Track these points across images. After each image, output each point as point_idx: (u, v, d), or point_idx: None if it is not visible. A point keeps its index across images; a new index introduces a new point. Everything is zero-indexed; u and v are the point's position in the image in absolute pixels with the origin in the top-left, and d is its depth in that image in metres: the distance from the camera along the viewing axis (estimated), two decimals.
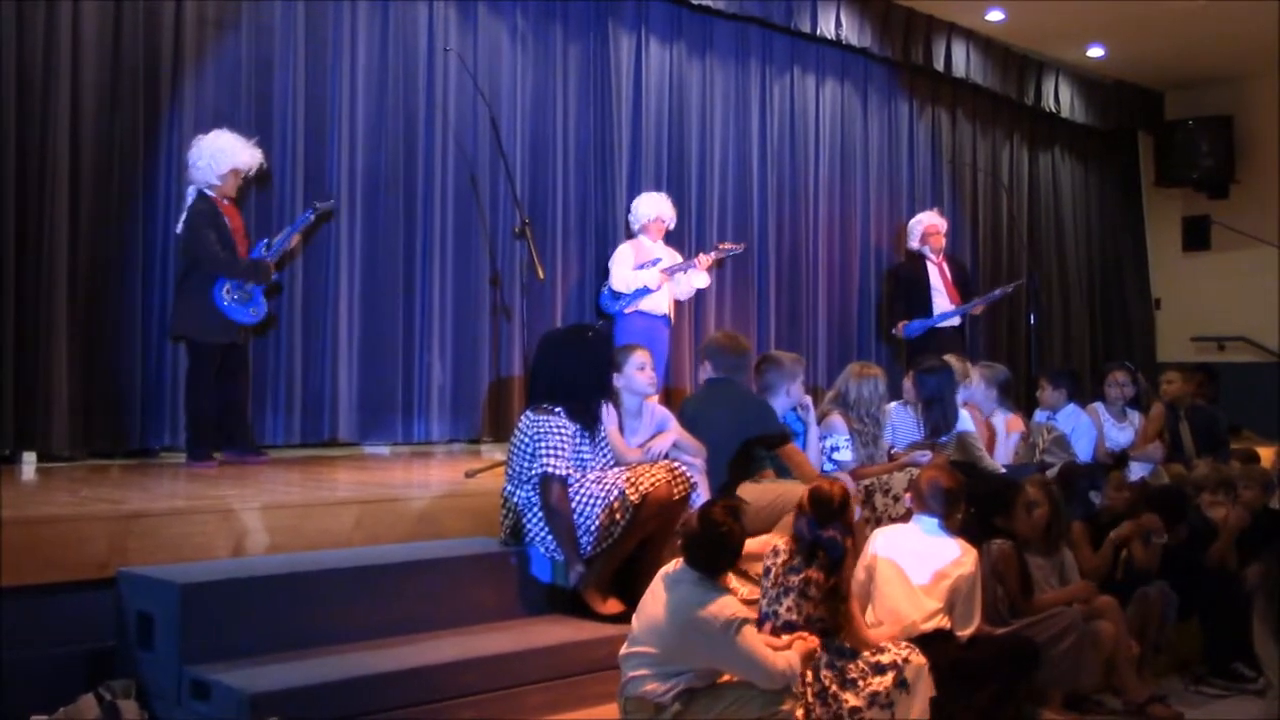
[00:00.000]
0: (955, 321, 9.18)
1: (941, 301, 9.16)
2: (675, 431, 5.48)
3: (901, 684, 4.30)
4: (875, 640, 4.45)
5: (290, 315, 6.88)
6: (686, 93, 8.86)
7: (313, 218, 6.54)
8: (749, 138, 9.26)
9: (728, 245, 8.22)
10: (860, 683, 4.31)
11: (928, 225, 9.42)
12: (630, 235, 8.08)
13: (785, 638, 4.28)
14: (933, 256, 9.34)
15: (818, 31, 9.39)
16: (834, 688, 4.29)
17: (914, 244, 9.55)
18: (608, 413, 5.27)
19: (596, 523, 4.67)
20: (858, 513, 5.79)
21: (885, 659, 4.36)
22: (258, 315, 6.17)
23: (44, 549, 4.11)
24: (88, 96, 6.13)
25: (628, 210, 8.23)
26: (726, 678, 3.99)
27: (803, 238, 9.62)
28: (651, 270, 7.70)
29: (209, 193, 6.07)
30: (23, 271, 5.90)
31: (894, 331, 9.26)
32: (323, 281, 7.02)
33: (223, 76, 6.66)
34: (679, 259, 7.95)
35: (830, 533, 4.33)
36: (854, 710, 4.26)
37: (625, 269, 7.78)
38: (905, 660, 4.35)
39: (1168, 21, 10.37)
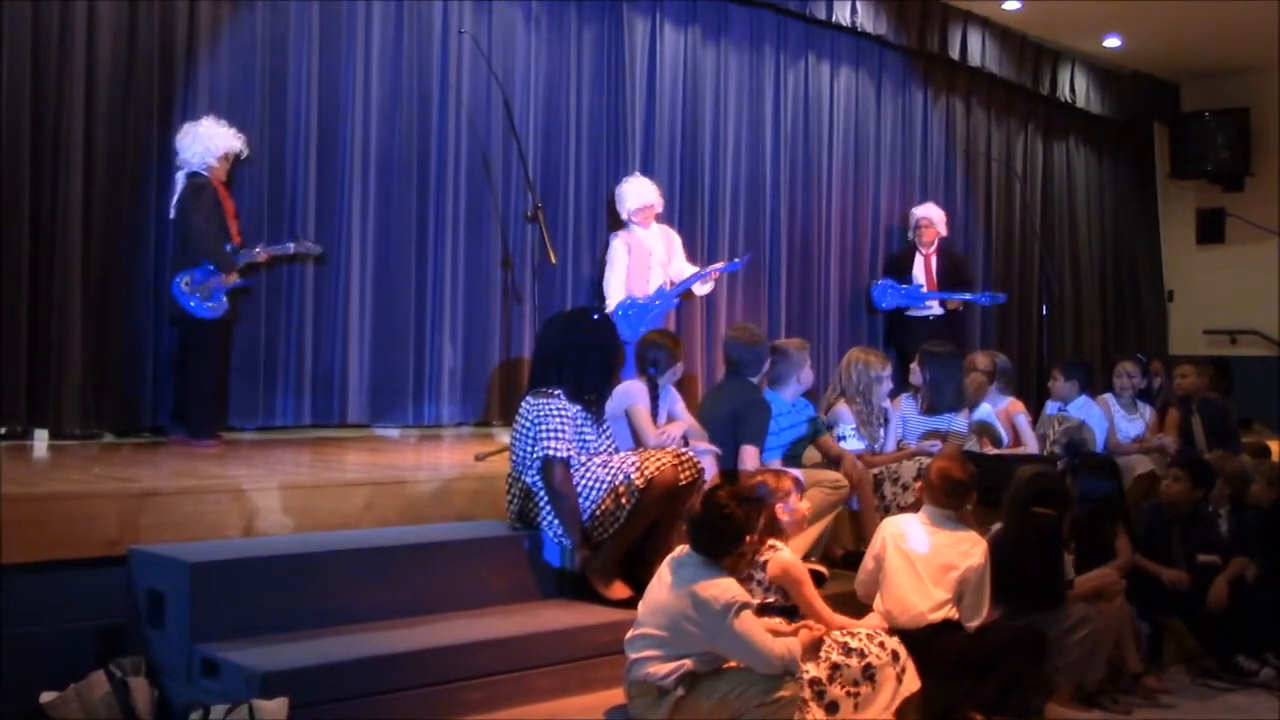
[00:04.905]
0: (935, 310, 9.26)
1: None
2: (684, 419, 5.51)
3: (867, 674, 4.33)
4: (839, 624, 4.48)
5: (301, 296, 6.89)
6: (700, 78, 8.83)
7: (291, 249, 6.46)
8: (763, 124, 9.23)
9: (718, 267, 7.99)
10: (823, 652, 4.32)
11: (920, 218, 9.53)
12: (621, 224, 7.84)
13: (790, 625, 4.31)
14: (922, 248, 9.41)
15: (833, 19, 9.35)
16: None
17: (910, 235, 9.71)
18: (630, 395, 5.31)
19: (601, 506, 4.67)
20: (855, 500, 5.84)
21: (853, 644, 4.39)
22: (215, 312, 6.03)
23: (56, 526, 4.13)
24: (102, 78, 6.14)
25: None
26: (731, 664, 4.00)
27: (815, 225, 9.59)
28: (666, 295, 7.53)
29: (204, 173, 6.11)
30: (36, 252, 5.93)
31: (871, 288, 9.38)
32: (334, 263, 7.02)
33: (237, 58, 6.66)
34: (672, 236, 7.79)
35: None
36: (814, 681, 4.25)
37: (616, 274, 7.60)
38: (878, 656, 4.37)
39: (1185, 12, 10.31)
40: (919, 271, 9.36)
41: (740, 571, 4.36)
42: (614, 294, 7.55)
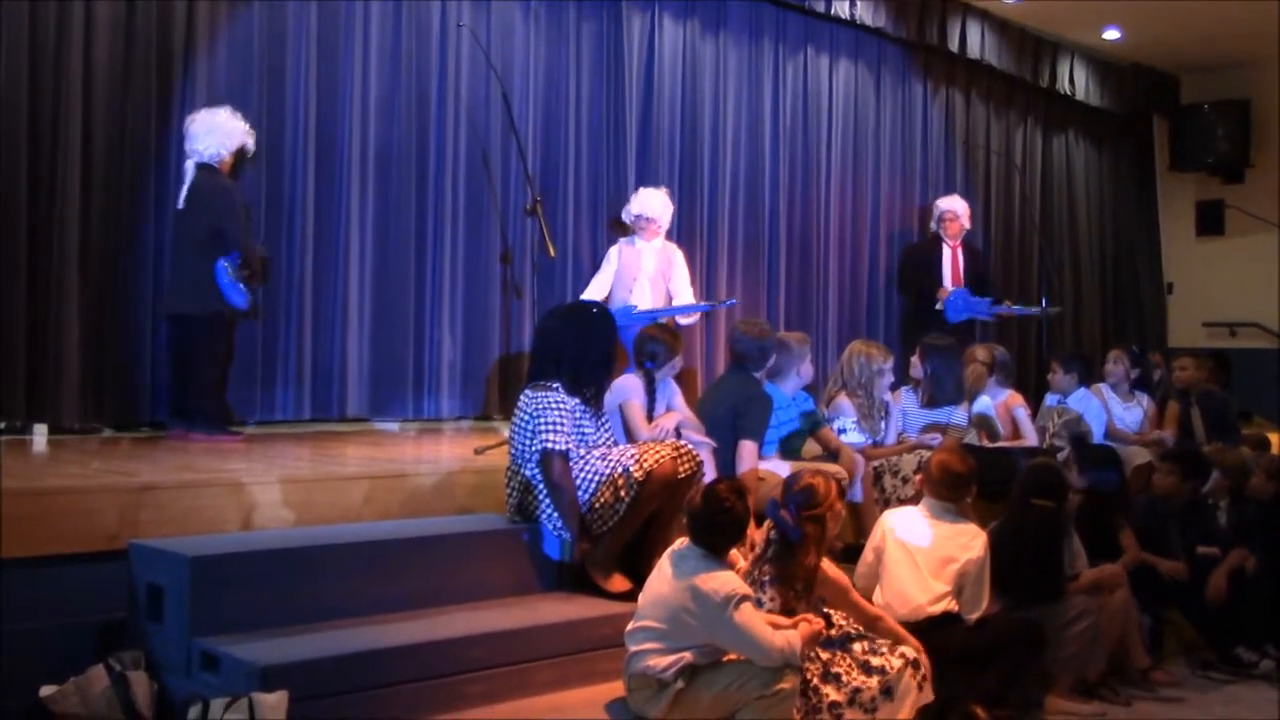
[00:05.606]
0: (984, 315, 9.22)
1: (948, 285, 9.22)
2: (681, 411, 5.51)
3: (886, 691, 4.25)
4: (880, 616, 4.45)
5: (301, 290, 6.88)
6: (699, 71, 8.82)
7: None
8: (761, 118, 9.22)
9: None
10: (844, 677, 4.24)
11: (945, 210, 9.49)
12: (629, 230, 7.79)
13: (790, 619, 4.29)
14: (948, 241, 9.37)
15: (832, 11, 9.34)
16: (815, 680, 4.20)
17: (934, 226, 9.65)
18: (624, 390, 5.31)
19: (600, 499, 4.67)
20: (857, 493, 5.84)
21: (875, 661, 4.31)
22: (245, 302, 6.01)
23: (55, 520, 4.14)
24: (100, 77, 6.13)
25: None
26: (731, 656, 4.00)
27: (814, 218, 9.59)
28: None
29: (216, 165, 6.09)
30: (35, 246, 5.92)
31: (937, 304, 9.16)
32: (334, 257, 7.02)
33: (235, 53, 6.65)
34: (673, 255, 7.66)
35: (784, 512, 4.28)
36: (833, 705, 4.18)
37: (597, 278, 7.58)
38: (898, 670, 4.29)
39: (1185, 4, 10.29)
40: (947, 264, 9.32)
41: (814, 600, 4.30)
42: (586, 295, 7.50)
